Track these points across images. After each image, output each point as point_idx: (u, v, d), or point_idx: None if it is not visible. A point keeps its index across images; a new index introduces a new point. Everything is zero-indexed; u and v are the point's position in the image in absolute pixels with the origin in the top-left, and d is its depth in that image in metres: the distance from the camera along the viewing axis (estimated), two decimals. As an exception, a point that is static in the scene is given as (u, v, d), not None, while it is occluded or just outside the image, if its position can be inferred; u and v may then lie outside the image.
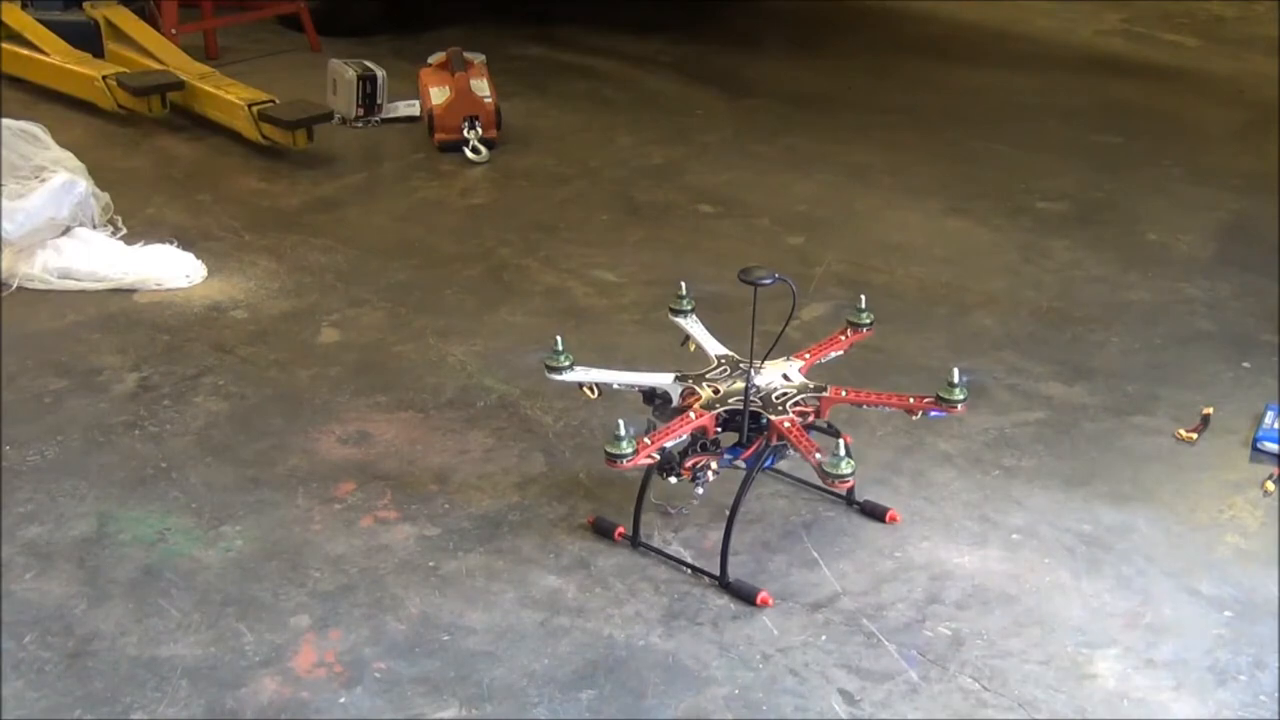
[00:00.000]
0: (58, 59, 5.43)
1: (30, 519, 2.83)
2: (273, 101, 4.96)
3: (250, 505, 2.89)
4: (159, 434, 3.16)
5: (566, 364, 2.80)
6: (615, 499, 2.90)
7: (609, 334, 3.66)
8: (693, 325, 2.98)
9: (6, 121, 4.36)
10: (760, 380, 2.74)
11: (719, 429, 2.67)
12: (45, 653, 2.45)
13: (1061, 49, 6.73)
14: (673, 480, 2.61)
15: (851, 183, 4.82)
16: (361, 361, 3.51)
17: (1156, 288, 4.03)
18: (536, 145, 5.14)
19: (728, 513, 2.65)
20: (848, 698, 2.38)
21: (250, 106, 4.90)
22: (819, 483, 2.61)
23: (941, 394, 2.63)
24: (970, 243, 4.34)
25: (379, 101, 5.32)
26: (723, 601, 2.61)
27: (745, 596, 2.60)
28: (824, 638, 2.52)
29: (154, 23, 5.79)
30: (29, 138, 4.33)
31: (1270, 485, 2.99)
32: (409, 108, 5.35)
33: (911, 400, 2.69)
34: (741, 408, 2.67)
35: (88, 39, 5.61)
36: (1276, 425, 3.16)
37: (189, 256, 4.03)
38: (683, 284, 3.02)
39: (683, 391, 2.74)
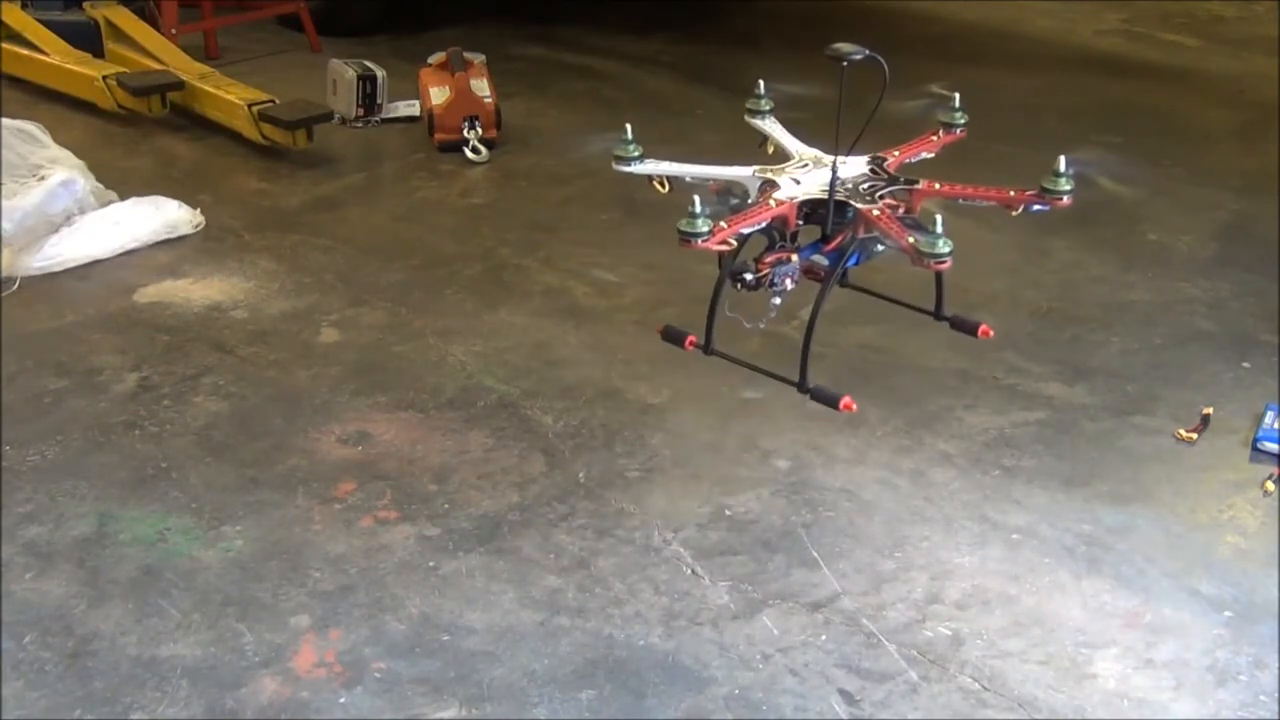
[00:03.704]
0: (58, 59, 5.43)
1: (30, 519, 2.82)
2: (273, 101, 4.95)
3: (250, 505, 2.89)
4: (159, 434, 3.15)
5: (635, 154, 2.64)
6: (617, 499, 2.90)
7: (609, 334, 3.66)
8: (771, 125, 2.80)
9: (5, 121, 4.36)
10: (845, 173, 2.55)
11: (800, 221, 2.49)
12: (45, 653, 2.45)
13: (1061, 49, 6.73)
14: (747, 280, 2.41)
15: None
16: (361, 361, 3.51)
17: (1156, 288, 4.03)
18: (536, 145, 5.14)
19: (809, 318, 2.46)
20: (848, 698, 2.38)
21: (250, 106, 4.89)
22: (905, 299, 2.50)
23: (1045, 185, 2.41)
24: (970, 243, 4.33)
25: (379, 101, 5.32)
26: (723, 601, 2.61)
27: (828, 400, 2.45)
28: (824, 638, 2.52)
29: (154, 23, 5.78)
30: (27, 137, 4.33)
31: (1270, 485, 2.99)
32: (409, 108, 5.35)
33: (1012, 193, 2.50)
34: (825, 198, 2.45)
35: (88, 39, 5.61)
36: (1276, 425, 3.16)
37: (178, 204, 4.21)
38: (761, 82, 2.87)
39: (761, 186, 2.54)
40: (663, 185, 2.65)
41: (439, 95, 5.06)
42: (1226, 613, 2.61)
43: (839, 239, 2.46)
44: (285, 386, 3.38)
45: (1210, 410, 3.26)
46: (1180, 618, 2.60)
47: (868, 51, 2.40)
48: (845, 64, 2.40)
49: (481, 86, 5.09)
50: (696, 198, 2.31)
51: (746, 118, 2.80)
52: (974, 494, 2.97)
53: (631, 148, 2.61)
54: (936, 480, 3.02)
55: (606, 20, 6.77)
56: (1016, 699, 2.38)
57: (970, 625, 2.56)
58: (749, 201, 2.51)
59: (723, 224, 2.35)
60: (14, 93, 5.42)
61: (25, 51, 5.53)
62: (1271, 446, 3.11)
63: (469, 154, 4.96)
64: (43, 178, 4.12)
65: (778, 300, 2.44)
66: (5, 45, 5.55)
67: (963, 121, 2.75)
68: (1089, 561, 2.75)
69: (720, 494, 2.94)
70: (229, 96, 5.02)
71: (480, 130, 4.98)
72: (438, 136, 5.03)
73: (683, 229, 2.31)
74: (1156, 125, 5.55)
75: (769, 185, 2.51)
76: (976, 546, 2.80)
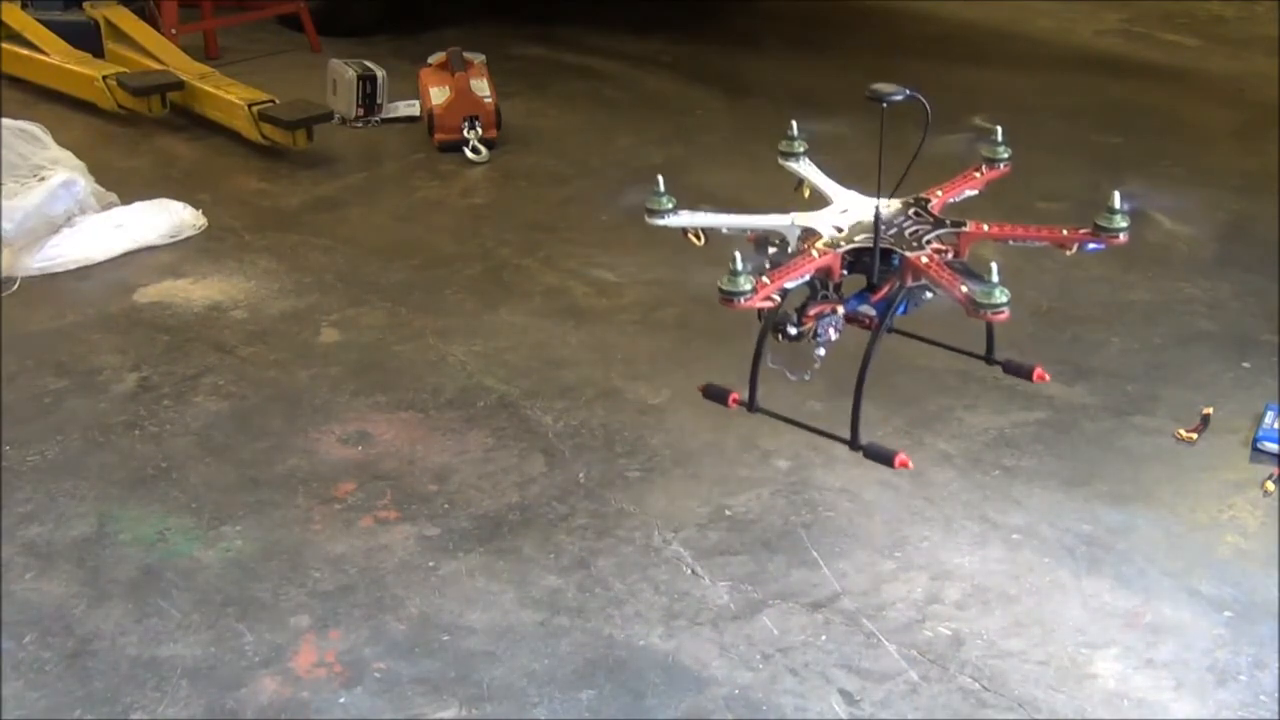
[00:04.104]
0: (58, 59, 5.43)
1: (30, 519, 2.83)
2: (273, 101, 4.95)
3: (250, 505, 2.89)
4: (159, 434, 3.15)
5: (669, 206, 2.49)
6: (617, 499, 2.90)
7: (609, 334, 3.66)
8: (806, 167, 2.68)
9: (6, 121, 4.36)
10: (888, 215, 2.45)
11: (844, 271, 2.38)
12: (45, 653, 2.45)
13: (1061, 49, 6.72)
14: (790, 334, 2.32)
15: (851, 183, 4.81)
16: (361, 361, 3.51)
17: (1156, 288, 4.03)
18: (536, 145, 5.14)
19: (858, 372, 2.36)
20: (848, 698, 2.38)
21: (250, 106, 4.90)
22: (956, 345, 2.37)
23: (1100, 222, 2.31)
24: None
25: (379, 101, 5.32)
26: (723, 601, 2.61)
27: (882, 459, 2.38)
28: (824, 638, 2.52)
29: (154, 23, 5.78)
30: (28, 137, 4.33)
31: (1270, 485, 2.99)
32: (409, 108, 5.35)
33: (1065, 232, 2.38)
34: (870, 246, 2.36)
35: (88, 39, 5.61)
36: (1276, 425, 3.16)
37: (183, 205, 4.20)
38: (794, 123, 2.73)
39: (801, 234, 2.43)
40: (698, 237, 2.53)
41: (439, 95, 5.06)
42: (1226, 613, 2.61)
43: (886, 288, 2.36)
44: (285, 386, 3.38)
45: (1210, 410, 3.26)
46: (1180, 618, 2.60)
47: (909, 91, 2.34)
48: (885, 105, 2.33)
49: (481, 86, 5.09)
50: (737, 254, 2.20)
51: (780, 160, 2.68)
52: (974, 494, 2.97)
53: (664, 199, 2.48)
54: (936, 480, 3.02)
55: (606, 20, 6.77)
56: (1016, 699, 2.38)
57: (970, 625, 2.56)
58: (789, 251, 2.40)
59: (765, 279, 2.24)
60: (14, 93, 5.42)
61: (25, 51, 5.53)
62: (1271, 446, 3.11)
63: (469, 154, 4.95)
64: (43, 178, 4.12)
65: (821, 351, 2.35)
66: (5, 45, 5.55)
67: (1006, 156, 2.64)
68: (1089, 561, 2.75)
69: (720, 494, 2.94)
70: (229, 96, 5.02)
71: (480, 130, 4.98)
72: (438, 136, 5.03)
73: (724, 288, 2.19)
74: (1156, 125, 5.54)
75: (810, 234, 2.41)
76: (976, 546, 2.80)
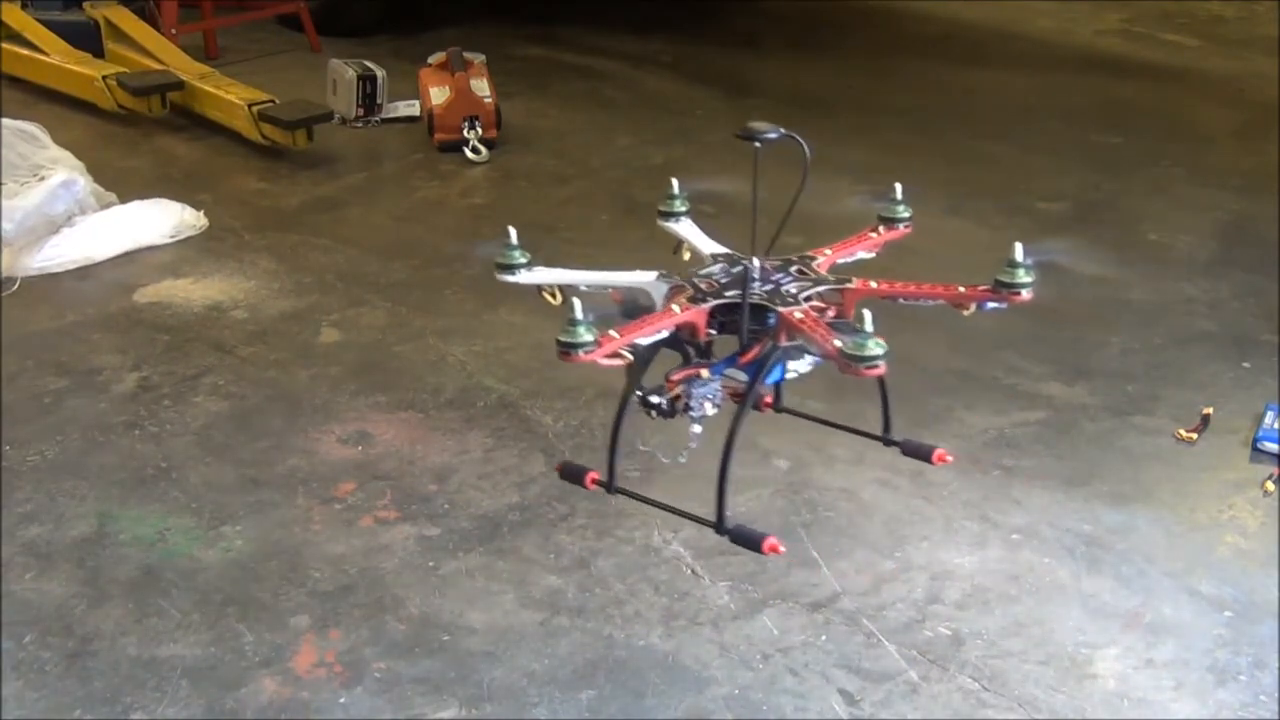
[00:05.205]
0: (58, 59, 5.43)
1: (30, 519, 2.82)
2: (273, 101, 4.96)
3: (250, 505, 2.89)
4: (159, 434, 3.15)
5: (522, 262, 2.23)
6: (617, 499, 2.90)
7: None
8: (685, 227, 2.46)
9: (6, 121, 4.36)
10: (772, 276, 2.24)
11: (714, 331, 2.17)
12: (45, 653, 2.45)
13: (1061, 49, 6.73)
14: (656, 404, 2.11)
15: (851, 183, 4.81)
16: (361, 361, 3.51)
17: (1156, 288, 4.03)
18: (536, 145, 5.14)
19: (724, 446, 2.17)
20: (848, 698, 2.38)
21: (250, 106, 4.90)
22: (848, 423, 2.20)
23: (1001, 278, 2.07)
24: (970, 242, 4.34)
25: (379, 101, 5.32)
26: (723, 601, 2.60)
27: (749, 543, 2.17)
28: (824, 638, 2.52)
29: (154, 23, 5.79)
30: (27, 137, 4.34)
31: (1270, 485, 2.99)
32: (409, 108, 5.35)
33: (962, 289, 2.15)
34: (739, 302, 2.13)
35: (88, 39, 5.62)
36: (1276, 425, 3.16)
37: (183, 206, 4.21)
38: (674, 181, 2.51)
39: (669, 292, 2.21)
40: (554, 296, 2.27)
41: (439, 95, 5.06)
42: (1226, 613, 2.61)
43: (757, 349, 2.14)
44: (285, 386, 3.38)
45: (1210, 410, 3.26)
46: (1180, 618, 2.60)
47: (783, 130, 2.10)
48: (758, 144, 2.12)
49: (481, 86, 5.10)
50: (575, 300, 1.96)
51: (659, 220, 2.46)
52: (974, 494, 2.97)
53: (517, 253, 2.22)
54: (936, 480, 3.02)
55: (606, 20, 6.77)
56: (1016, 699, 2.38)
57: (970, 625, 2.56)
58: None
59: (613, 333, 2.01)
60: (14, 93, 5.43)
61: (25, 51, 5.54)
62: (1271, 446, 3.11)
63: (469, 154, 4.96)
64: (43, 178, 4.13)
65: (697, 429, 2.15)
66: (5, 45, 5.56)
67: (906, 215, 2.46)
68: (1089, 561, 2.75)
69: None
70: (229, 96, 5.02)
71: (480, 130, 4.99)
72: (438, 136, 5.03)
73: (561, 339, 1.96)
74: (1156, 125, 5.55)
75: (677, 290, 2.18)
76: (976, 546, 2.80)
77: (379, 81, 5.30)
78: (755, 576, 2.66)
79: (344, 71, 5.30)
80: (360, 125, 5.29)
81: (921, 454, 2.38)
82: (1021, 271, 2.04)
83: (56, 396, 3.31)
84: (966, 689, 2.40)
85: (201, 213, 4.30)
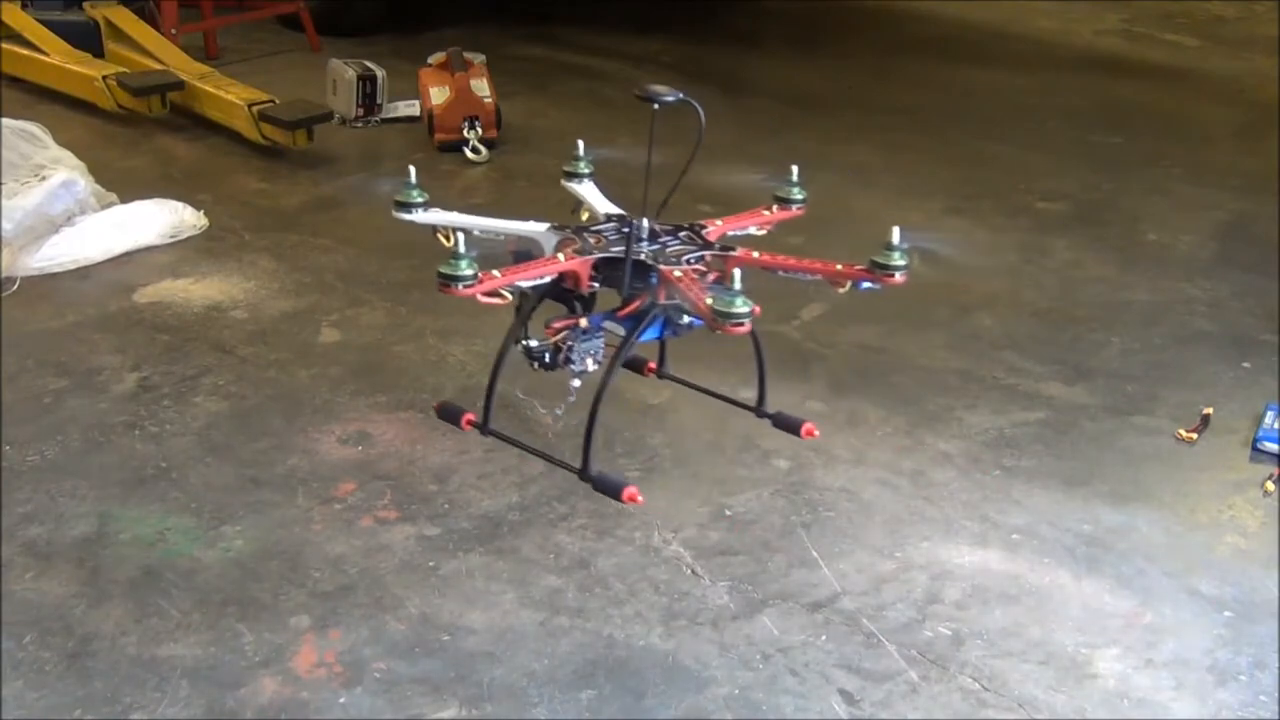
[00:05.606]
0: (58, 59, 5.44)
1: (30, 519, 2.82)
2: (273, 101, 4.96)
3: (250, 505, 2.89)
4: (159, 434, 3.15)
5: (419, 201, 2.35)
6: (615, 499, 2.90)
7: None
8: (587, 189, 2.56)
9: (6, 121, 4.36)
10: (661, 240, 2.30)
11: (596, 284, 2.24)
12: (45, 653, 2.45)
13: (1061, 49, 6.73)
14: (537, 354, 2.17)
15: (851, 183, 4.82)
16: (361, 361, 3.51)
17: (1156, 288, 4.03)
18: (536, 145, 5.14)
19: (595, 394, 2.21)
20: (848, 698, 2.38)
21: (250, 106, 4.90)
22: (731, 395, 2.28)
23: (877, 259, 2.15)
24: (970, 242, 4.34)
25: (379, 101, 5.33)
26: (723, 601, 2.60)
27: (609, 489, 2.23)
28: (824, 638, 2.52)
29: (154, 23, 5.79)
30: (28, 137, 4.33)
31: (1270, 485, 2.99)
32: (409, 108, 5.36)
33: (839, 267, 2.20)
34: (622, 257, 2.20)
35: (88, 39, 5.62)
36: (1276, 425, 3.16)
37: (183, 205, 4.22)
38: (580, 143, 2.60)
39: (559, 243, 2.30)
40: (448, 238, 2.35)
41: (439, 95, 5.07)
42: (1226, 613, 2.61)
43: (636, 304, 2.22)
44: (285, 386, 3.38)
45: (1210, 410, 3.26)
46: (1180, 618, 2.60)
47: (681, 95, 2.18)
48: (656, 106, 2.18)
49: (481, 86, 5.10)
50: (461, 235, 2.06)
51: (563, 180, 2.54)
52: (974, 494, 2.97)
53: (415, 193, 2.32)
54: (936, 480, 3.02)
55: (606, 20, 6.78)
56: (1016, 699, 2.38)
57: (970, 625, 2.56)
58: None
59: (495, 272, 2.08)
60: (14, 93, 5.43)
61: (25, 51, 5.54)
62: (1271, 446, 3.11)
63: (469, 154, 4.96)
64: (44, 178, 4.12)
65: (577, 383, 2.21)
66: (5, 45, 5.56)
67: (800, 198, 2.54)
68: (1089, 561, 2.75)
69: (720, 494, 2.93)
70: (229, 96, 5.02)
71: (480, 130, 4.99)
72: (438, 136, 5.03)
73: (442, 271, 2.04)
74: (1156, 125, 5.55)
75: (567, 242, 2.27)
76: (976, 546, 2.80)
77: (379, 81, 5.30)
78: (755, 576, 2.66)
79: (344, 71, 5.31)
80: (360, 125, 5.30)
81: (792, 427, 2.51)
82: (897, 255, 2.11)
83: (56, 396, 3.31)
84: (966, 689, 2.40)
85: (201, 213, 4.30)
